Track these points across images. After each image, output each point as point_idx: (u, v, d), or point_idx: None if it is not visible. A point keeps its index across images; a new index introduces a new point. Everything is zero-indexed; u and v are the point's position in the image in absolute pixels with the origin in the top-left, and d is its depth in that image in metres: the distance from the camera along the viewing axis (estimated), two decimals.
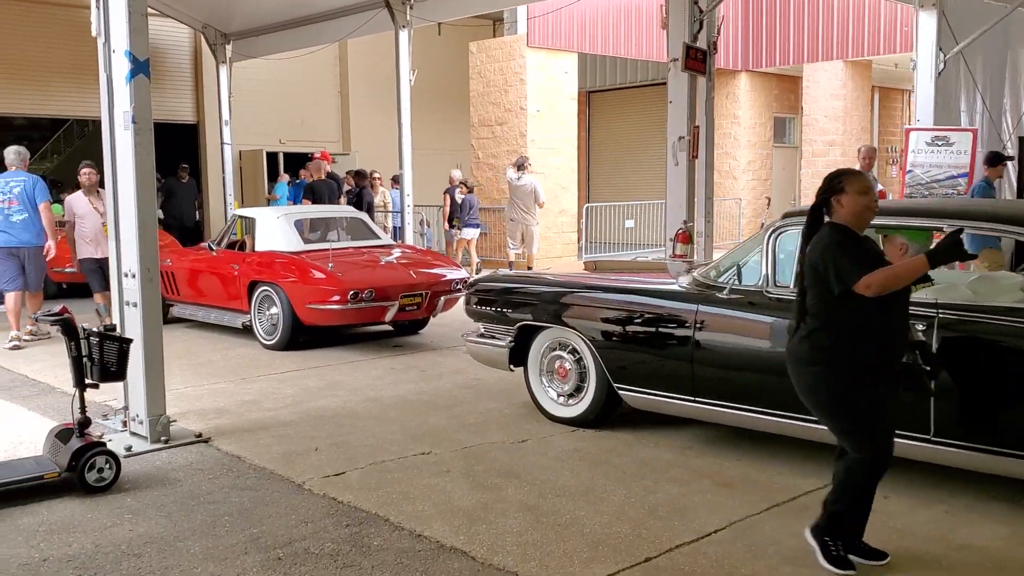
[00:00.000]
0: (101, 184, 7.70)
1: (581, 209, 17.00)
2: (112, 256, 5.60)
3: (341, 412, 6.25)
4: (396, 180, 14.49)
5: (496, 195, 16.38)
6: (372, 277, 8.34)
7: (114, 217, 5.56)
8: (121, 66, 5.33)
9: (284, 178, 16.95)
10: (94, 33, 5.53)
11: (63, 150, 24.34)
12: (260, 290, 8.61)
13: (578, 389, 5.81)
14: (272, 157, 18.35)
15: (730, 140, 19.81)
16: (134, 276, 5.39)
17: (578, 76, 16.70)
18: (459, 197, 14.31)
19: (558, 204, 16.07)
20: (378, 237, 9.58)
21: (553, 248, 16.25)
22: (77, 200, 9.03)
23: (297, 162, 18.41)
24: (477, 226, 14.99)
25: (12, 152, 9.07)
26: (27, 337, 8.71)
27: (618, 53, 17.18)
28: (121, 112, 5.39)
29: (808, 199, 18.72)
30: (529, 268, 14.14)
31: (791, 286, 4.58)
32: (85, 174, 9.03)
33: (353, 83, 19.68)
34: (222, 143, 16.44)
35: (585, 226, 17.06)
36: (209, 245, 9.51)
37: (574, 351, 5.81)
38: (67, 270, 11.97)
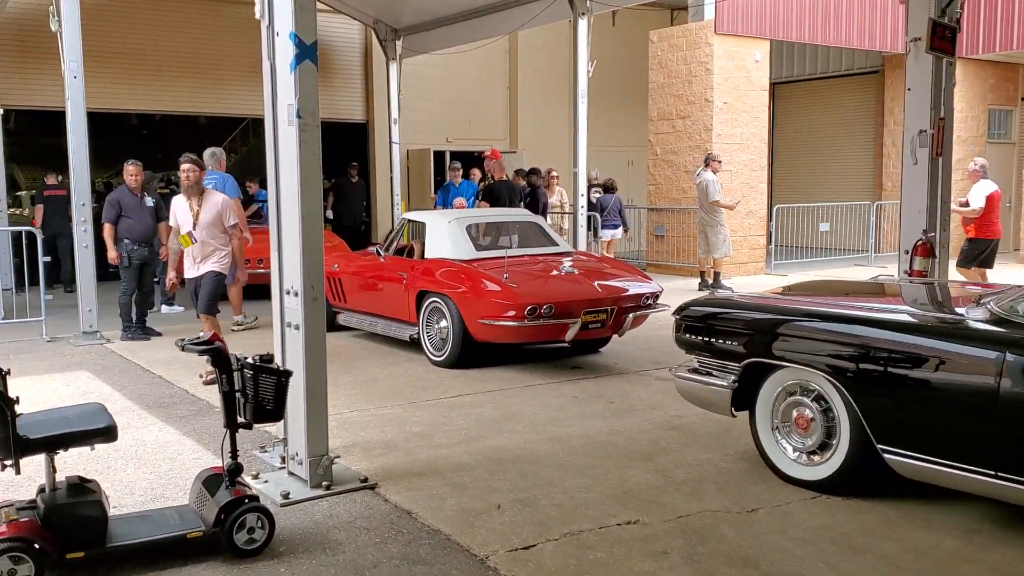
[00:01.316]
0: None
1: (771, 210, 15.50)
2: (273, 270, 4.89)
3: (522, 455, 5.32)
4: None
5: (676, 194, 15.16)
6: (551, 290, 7.40)
7: (276, 226, 4.85)
8: (285, 51, 4.60)
9: (457, 172, 16.33)
10: (257, 15, 4.82)
11: (239, 149, 24.93)
12: (429, 301, 7.85)
13: (824, 446, 4.63)
14: (439, 156, 17.84)
15: None
16: (296, 294, 4.65)
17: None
18: (594, 197, 13.58)
19: (745, 205, 14.67)
20: (556, 243, 8.64)
21: (739, 252, 14.87)
22: (178, 204, 7.53)
23: (465, 161, 17.83)
24: (616, 226, 14.17)
25: (208, 153, 9.65)
26: (235, 327, 9.64)
27: (815, 40, 15.55)
28: (285, 105, 4.65)
29: None
30: (715, 274, 12.88)
31: None
32: (184, 171, 7.47)
33: (522, 78, 18.91)
34: (391, 142, 16.07)
35: (775, 229, 15.54)
36: (377, 250, 8.86)
37: (820, 398, 4.63)
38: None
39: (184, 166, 7.45)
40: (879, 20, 16.13)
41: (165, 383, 7.37)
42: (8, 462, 3.54)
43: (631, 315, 7.55)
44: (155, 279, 11.15)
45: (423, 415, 6.22)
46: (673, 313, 5.29)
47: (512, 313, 7.10)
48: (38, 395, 6.89)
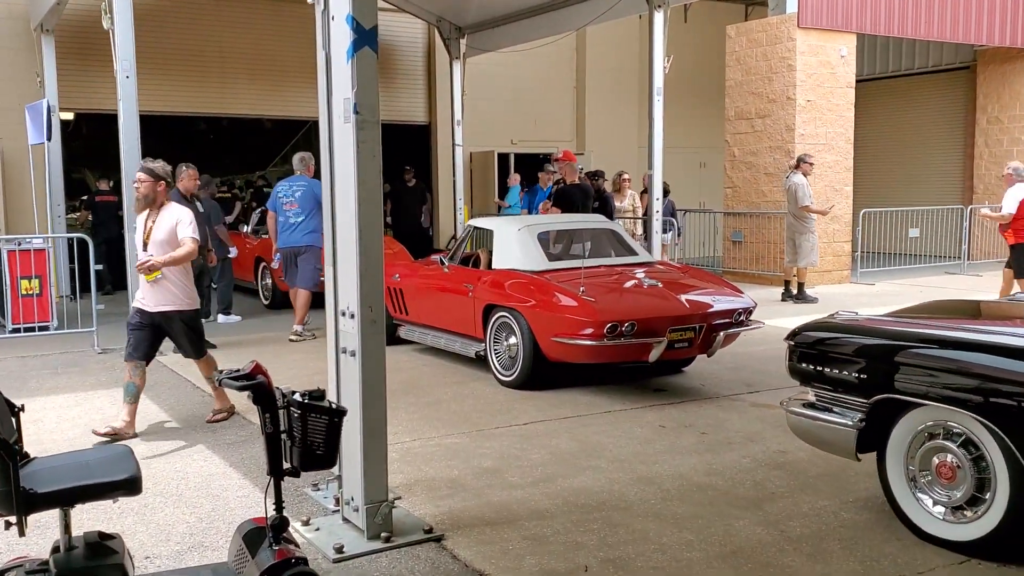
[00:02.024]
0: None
1: (857, 215, 14.52)
2: (328, 288, 4.31)
3: (608, 499, 4.64)
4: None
5: (755, 198, 14.30)
6: (633, 305, 6.70)
7: (332, 238, 4.26)
8: (341, 37, 4.01)
9: (515, 180, 15.73)
10: None
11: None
12: (497, 315, 7.22)
13: (973, 500, 3.86)
14: (503, 159, 17.25)
15: None
16: (353, 316, 4.06)
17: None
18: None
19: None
20: (635, 252, 7.93)
21: (824, 260, 13.94)
22: (139, 221, 6.21)
23: (529, 164, 17.22)
24: (666, 231, 13.24)
25: (297, 159, 9.68)
26: (293, 337, 9.40)
27: (904, 33, 14.53)
28: (341, 100, 4.07)
29: None
30: (799, 284, 12.05)
31: None
32: (135, 182, 6.07)
33: (590, 77, 18.21)
34: (453, 144, 15.52)
35: (860, 235, 14.57)
36: (441, 260, 8.27)
37: (969, 443, 3.86)
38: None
39: (138, 175, 6.04)
40: (974, 11, 15.03)
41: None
42: (12, 519, 3.00)
43: (722, 333, 6.81)
44: (211, 286, 10.77)
45: (493, 446, 5.58)
46: (786, 338, 4.56)
47: (590, 331, 6.43)
48: (80, 415, 6.45)
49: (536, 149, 17.65)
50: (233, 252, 11.15)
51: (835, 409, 4.32)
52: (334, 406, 3.52)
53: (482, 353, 7.47)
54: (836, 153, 14.05)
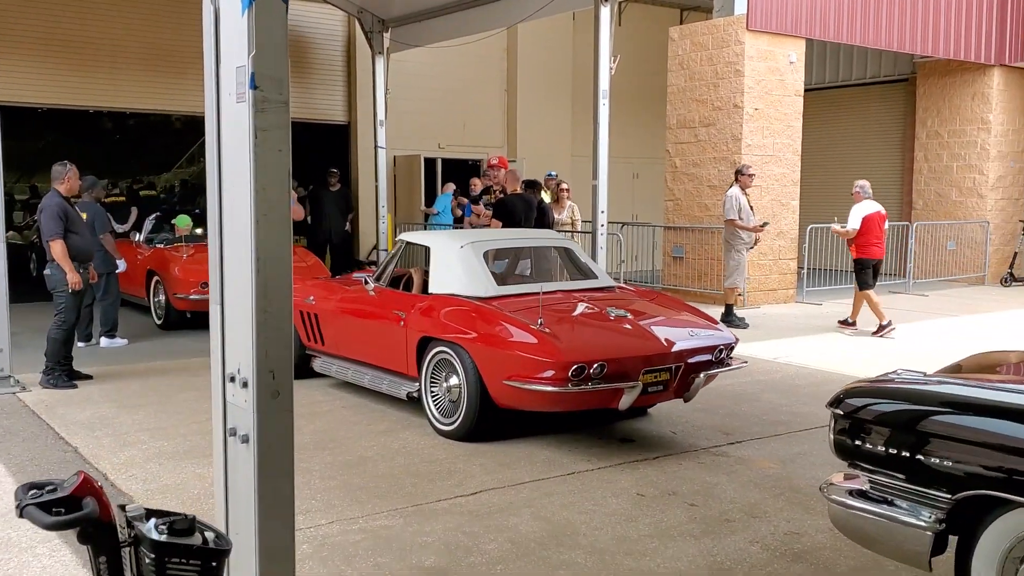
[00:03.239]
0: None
1: (804, 230, 13.79)
2: (213, 341, 3.04)
3: None
4: None
5: (697, 211, 13.43)
6: (603, 342, 5.58)
7: (218, 269, 3.00)
8: None
9: (449, 188, 14.51)
10: None
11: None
12: (435, 350, 6.01)
13: None
14: (430, 164, 16.01)
15: (976, 151, 16.14)
16: (245, 384, 2.80)
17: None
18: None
19: (776, 224, 12.97)
20: (594, 275, 6.81)
21: (768, 279, 13.18)
22: None
23: (457, 170, 16.04)
24: None
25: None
26: None
27: (853, 40, 13.89)
28: (232, 69, 2.82)
29: None
30: (727, 307, 11.10)
31: None
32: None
33: (522, 79, 17.12)
34: (376, 146, 14.23)
35: (807, 251, 13.83)
36: (365, 279, 7.00)
37: None
38: (192, 296, 9.91)
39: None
40: (920, 21, 14.51)
41: (80, 461, 5.47)
42: None
43: (702, 375, 5.74)
44: (92, 304, 9.26)
45: (435, 530, 4.36)
46: (828, 404, 3.49)
47: (551, 373, 5.28)
48: None
49: (465, 154, 16.49)
50: (122, 266, 9.64)
51: (899, 503, 3.27)
52: (211, 541, 2.26)
53: (415, 395, 6.24)
54: (783, 165, 13.29)
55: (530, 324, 5.52)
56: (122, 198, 15.64)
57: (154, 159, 18.72)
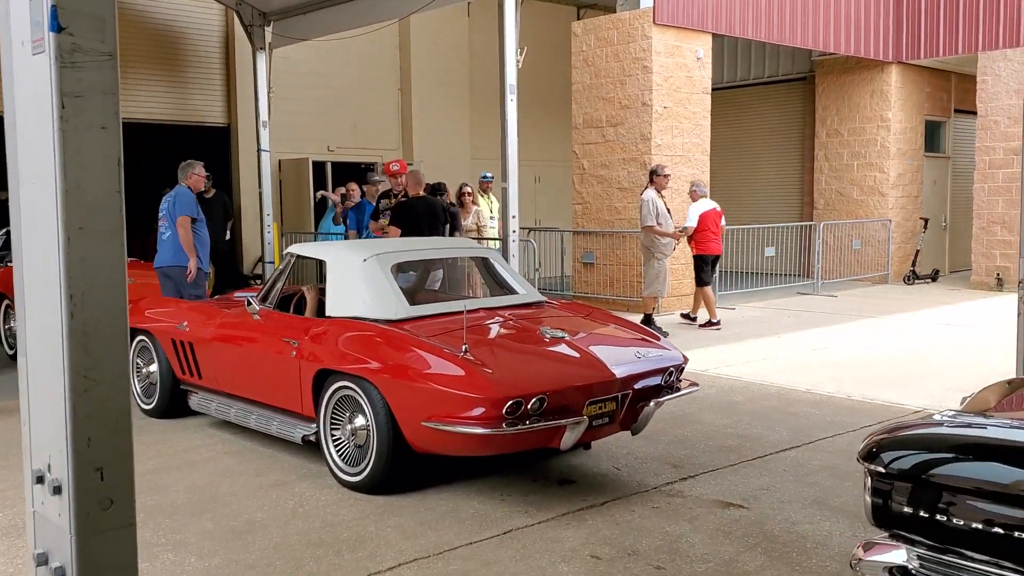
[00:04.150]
0: None
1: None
2: (23, 424, 2.02)
3: None
4: None
5: (607, 215, 12.77)
6: (541, 372, 4.73)
7: (21, 303, 1.99)
8: None
9: (335, 197, 13.38)
10: None
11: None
12: (335, 386, 5.02)
13: None
14: (319, 168, 14.86)
15: (876, 148, 16.10)
16: (58, 490, 1.80)
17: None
18: None
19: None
20: (517, 290, 5.94)
21: (681, 284, 12.61)
22: None
23: (348, 174, 14.94)
24: None
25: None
26: None
27: (758, 36, 13.55)
28: (24, 5, 1.82)
29: (986, 218, 15.05)
30: (646, 316, 10.50)
31: None
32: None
33: (416, 76, 16.15)
34: (259, 149, 13.05)
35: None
36: (249, 300, 5.91)
37: None
38: None
39: None
40: (822, 17, 14.32)
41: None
42: None
43: (652, 403, 4.95)
44: None
45: None
46: (860, 457, 2.72)
47: (481, 412, 4.37)
48: None
49: (357, 157, 15.41)
50: None
51: None
52: None
53: (312, 438, 5.24)
54: (693, 165, 12.77)
55: (453, 351, 4.61)
56: None
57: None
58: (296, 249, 5.97)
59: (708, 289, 10.97)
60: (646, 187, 10.67)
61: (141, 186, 18.21)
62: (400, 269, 5.77)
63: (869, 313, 12.14)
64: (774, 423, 6.42)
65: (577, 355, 4.85)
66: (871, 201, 16.20)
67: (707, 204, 10.96)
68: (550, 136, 16.75)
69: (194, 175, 8.23)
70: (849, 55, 15.33)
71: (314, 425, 5.22)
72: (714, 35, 12.95)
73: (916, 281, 15.69)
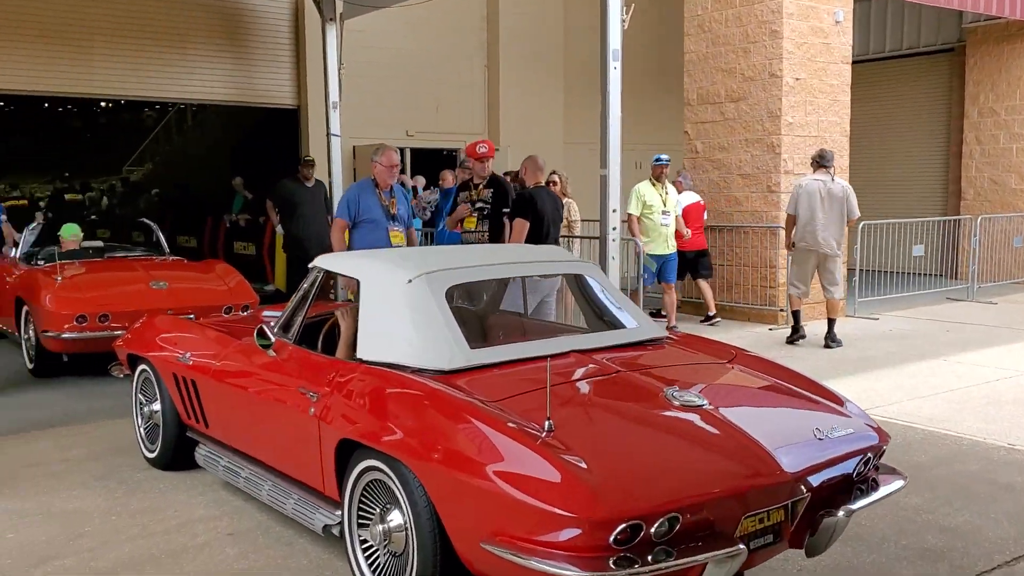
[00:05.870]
0: None
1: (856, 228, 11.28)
2: None
3: None
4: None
5: (725, 206, 10.92)
6: (670, 469, 3.02)
7: None
8: None
9: (419, 182, 11.84)
10: None
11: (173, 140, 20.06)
12: (363, 465, 3.45)
13: None
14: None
15: None
16: None
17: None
18: None
19: None
20: (626, 323, 4.20)
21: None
22: None
23: (429, 162, 13.49)
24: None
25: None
26: None
27: None
28: None
29: None
30: (829, 321, 8.80)
31: None
32: None
33: (505, 53, 14.51)
34: (328, 134, 11.67)
35: (859, 252, 11.27)
36: (262, 327, 4.34)
37: None
38: (65, 335, 7.31)
39: None
40: None
41: None
42: None
43: (841, 512, 3.18)
44: None
45: None
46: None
47: (573, 536, 2.72)
48: None
49: (439, 143, 13.92)
50: None
51: None
52: None
53: (335, 531, 3.69)
54: (830, 147, 10.74)
55: (528, 430, 2.97)
56: (23, 202, 12.91)
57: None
58: (323, 262, 4.38)
59: (702, 281, 10.38)
60: (813, 172, 8.97)
61: (205, 172, 17.17)
62: (463, 292, 4.14)
63: None
64: (985, 504, 4.58)
65: (723, 435, 3.13)
66: None
67: (691, 197, 10.25)
68: (655, 117, 14.90)
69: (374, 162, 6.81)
70: (1014, 18, 12.98)
71: (339, 513, 3.67)
72: None
73: None
